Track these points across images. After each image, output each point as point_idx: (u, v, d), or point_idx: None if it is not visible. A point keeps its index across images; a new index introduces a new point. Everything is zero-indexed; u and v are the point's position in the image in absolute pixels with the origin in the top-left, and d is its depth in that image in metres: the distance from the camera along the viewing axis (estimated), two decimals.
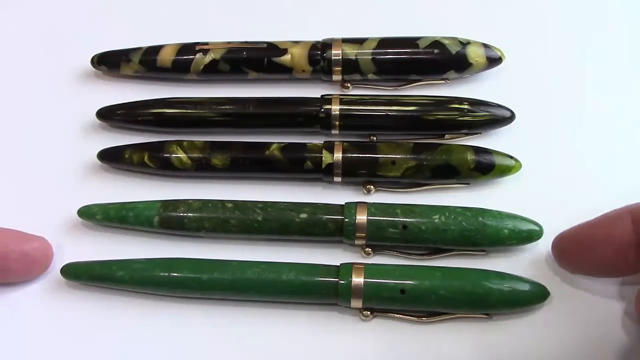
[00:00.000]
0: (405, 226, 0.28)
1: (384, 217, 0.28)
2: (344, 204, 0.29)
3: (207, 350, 0.28)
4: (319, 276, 0.28)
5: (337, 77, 0.33)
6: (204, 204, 0.30)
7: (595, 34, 0.35)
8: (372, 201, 0.30)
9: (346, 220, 0.29)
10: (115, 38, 0.34)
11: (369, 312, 0.28)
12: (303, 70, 0.33)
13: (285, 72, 0.33)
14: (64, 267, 0.29)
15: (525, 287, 0.27)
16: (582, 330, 0.28)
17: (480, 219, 0.28)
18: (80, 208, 0.30)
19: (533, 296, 0.28)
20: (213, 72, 0.33)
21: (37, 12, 0.36)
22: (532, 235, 0.29)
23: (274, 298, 0.28)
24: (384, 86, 0.33)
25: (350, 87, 0.33)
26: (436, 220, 0.28)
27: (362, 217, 0.28)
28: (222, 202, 0.30)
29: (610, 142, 0.32)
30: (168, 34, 0.34)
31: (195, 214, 0.29)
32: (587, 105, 0.33)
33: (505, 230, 0.28)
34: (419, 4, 0.36)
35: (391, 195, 0.31)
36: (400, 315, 0.28)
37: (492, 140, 0.32)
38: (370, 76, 0.33)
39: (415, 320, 0.28)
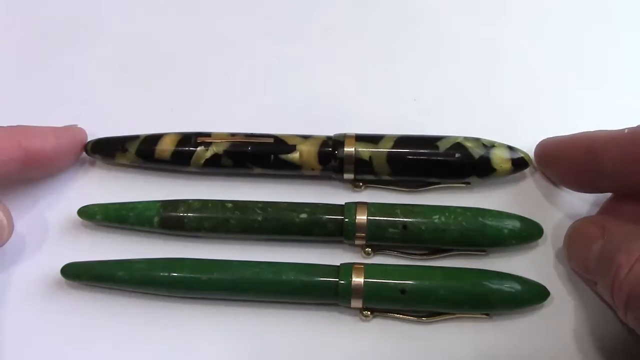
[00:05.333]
0: (405, 226, 0.28)
1: (384, 217, 0.28)
2: (344, 204, 0.29)
3: (207, 350, 0.28)
4: (319, 276, 0.28)
5: (348, 176, 0.30)
6: (204, 204, 0.29)
7: None
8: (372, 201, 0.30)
9: (346, 220, 0.28)
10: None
11: (369, 312, 0.28)
12: (312, 169, 0.30)
13: (293, 169, 0.30)
14: (64, 267, 0.29)
15: (525, 287, 0.27)
16: (582, 330, 0.28)
17: (480, 219, 0.28)
18: (80, 208, 0.30)
19: (533, 296, 0.28)
20: (215, 166, 0.30)
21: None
22: (532, 235, 0.29)
23: (274, 298, 0.28)
24: (399, 188, 0.31)
25: (363, 187, 0.31)
26: (436, 220, 0.28)
27: (362, 217, 0.28)
28: (222, 202, 0.30)
29: None
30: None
31: (195, 214, 0.29)
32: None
33: (505, 230, 0.28)
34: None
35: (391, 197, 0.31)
36: (400, 315, 0.28)
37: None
38: (385, 177, 0.30)
39: (415, 320, 0.28)
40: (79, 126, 0.31)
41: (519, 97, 0.33)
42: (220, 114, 0.33)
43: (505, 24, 0.35)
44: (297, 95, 0.34)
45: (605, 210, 0.29)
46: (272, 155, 0.30)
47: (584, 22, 0.35)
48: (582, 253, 0.27)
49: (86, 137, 0.31)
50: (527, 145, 0.30)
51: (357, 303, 0.27)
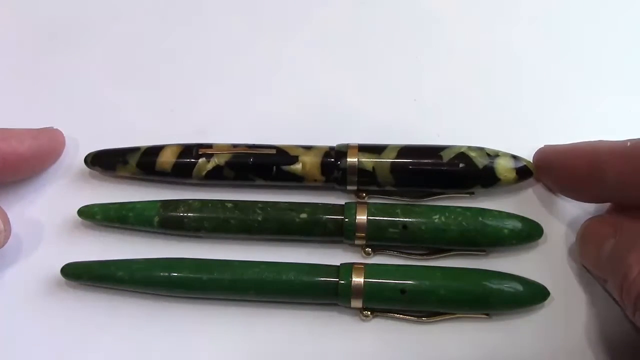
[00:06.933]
0: (405, 226, 0.28)
1: (384, 217, 0.28)
2: (344, 204, 0.29)
3: (206, 349, 0.28)
4: (319, 276, 0.28)
5: (352, 187, 0.30)
6: (204, 204, 0.29)
7: None
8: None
9: (346, 220, 0.28)
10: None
11: (369, 312, 0.28)
12: (315, 180, 0.30)
13: (295, 180, 0.30)
14: (64, 267, 0.29)
15: (525, 287, 0.27)
16: (581, 330, 0.28)
17: (480, 219, 0.28)
18: (80, 208, 0.30)
19: (533, 296, 0.28)
20: (217, 178, 0.30)
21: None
22: (532, 235, 0.29)
23: (274, 298, 0.28)
24: (403, 199, 0.30)
25: (366, 197, 0.30)
26: (436, 220, 0.28)
27: (362, 217, 0.28)
28: (222, 202, 0.30)
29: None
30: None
31: (195, 214, 0.29)
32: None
33: (505, 230, 0.28)
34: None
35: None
36: (401, 315, 0.28)
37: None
38: (389, 188, 0.30)
39: (415, 320, 0.28)
40: (55, 127, 0.31)
41: (520, 97, 0.33)
42: (220, 114, 0.33)
43: (507, 26, 0.35)
44: (296, 94, 0.34)
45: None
46: (275, 167, 0.30)
47: (587, 26, 0.35)
48: (594, 251, 0.27)
49: (64, 139, 0.31)
50: (528, 146, 0.30)
51: (357, 303, 0.27)
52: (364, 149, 0.30)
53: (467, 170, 0.29)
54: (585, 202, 0.30)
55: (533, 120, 0.32)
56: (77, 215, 0.30)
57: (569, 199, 0.30)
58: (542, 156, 0.30)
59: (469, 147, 0.29)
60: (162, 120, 0.33)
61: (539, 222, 0.29)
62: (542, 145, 0.30)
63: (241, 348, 0.28)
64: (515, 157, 0.29)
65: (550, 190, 0.30)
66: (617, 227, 0.26)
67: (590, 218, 0.28)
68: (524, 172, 0.29)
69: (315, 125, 0.32)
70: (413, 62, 0.34)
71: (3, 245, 0.28)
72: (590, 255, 0.27)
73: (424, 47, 0.35)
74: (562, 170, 0.29)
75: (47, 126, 0.31)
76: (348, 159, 0.29)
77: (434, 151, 0.29)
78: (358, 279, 0.27)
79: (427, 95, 0.33)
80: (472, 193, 0.30)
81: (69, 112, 0.33)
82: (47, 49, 0.35)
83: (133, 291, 0.29)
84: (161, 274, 0.28)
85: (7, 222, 0.28)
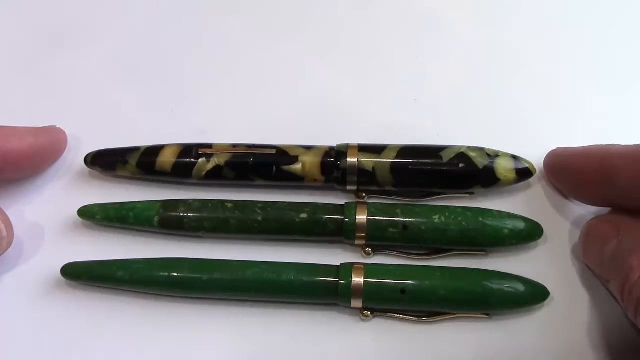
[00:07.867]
0: (405, 226, 0.28)
1: (384, 217, 0.28)
2: (344, 204, 0.29)
3: (207, 349, 0.28)
4: (319, 276, 0.28)
5: (352, 187, 0.30)
6: (204, 204, 0.29)
7: None
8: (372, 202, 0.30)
9: (346, 220, 0.28)
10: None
11: (369, 312, 0.28)
12: (315, 180, 0.30)
13: (295, 180, 0.30)
14: (64, 267, 0.29)
15: (525, 287, 0.27)
16: (582, 330, 0.28)
17: (480, 219, 0.28)
18: (80, 208, 0.30)
19: (533, 296, 0.28)
20: (217, 178, 0.30)
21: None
22: (532, 235, 0.29)
23: (274, 298, 0.28)
24: (402, 199, 0.30)
25: (366, 197, 0.30)
26: (436, 220, 0.28)
27: (362, 217, 0.28)
28: (222, 202, 0.30)
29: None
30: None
31: (195, 214, 0.29)
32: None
33: (505, 230, 0.28)
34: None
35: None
36: (401, 315, 0.28)
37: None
38: (388, 188, 0.30)
39: (415, 320, 0.28)
40: (58, 126, 0.31)
41: (520, 97, 0.33)
42: (220, 114, 0.33)
43: (507, 26, 0.35)
44: (296, 94, 0.34)
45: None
46: (275, 167, 0.30)
47: (587, 26, 0.35)
48: (597, 251, 0.27)
49: (66, 138, 0.31)
50: (527, 146, 0.30)
51: (357, 303, 0.27)
52: (364, 149, 0.30)
53: (467, 171, 0.29)
54: (594, 205, 0.29)
55: (533, 120, 0.32)
56: (77, 215, 0.30)
57: (576, 201, 0.30)
58: (553, 159, 0.30)
59: (469, 147, 0.29)
60: (162, 120, 0.33)
61: (539, 222, 0.29)
62: (554, 148, 0.30)
63: (241, 348, 0.28)
64: (515, 158, 0.30)
65: (562, 193, 0.30)
66: (620, 228, 0.26)
67: (594, 218, 0.28)
68: (523, 173, 0.29)
69: (315, 125, 0.32)
70: (413, 62, 0.34)
71: (5, 251, 0.28)
72: (593, 255, 0.27)
73: (424, 47, 0.35)
74: (572, 173, 0.29)
75: (49, 125, 0.31)
76: (348, 159, 0.29)
77: (433, 151, 0.29)
78: (358, 279, 0.27)
79: (427, 95, 0.33)
80: (472, 193, 0.30)
81: (69, 111, 0.33)
82: (47, 49, 0.35)
83: (133, 291, 0.29)
84: (161, 274, 0.28)
85: (10, 228, 0.28)
